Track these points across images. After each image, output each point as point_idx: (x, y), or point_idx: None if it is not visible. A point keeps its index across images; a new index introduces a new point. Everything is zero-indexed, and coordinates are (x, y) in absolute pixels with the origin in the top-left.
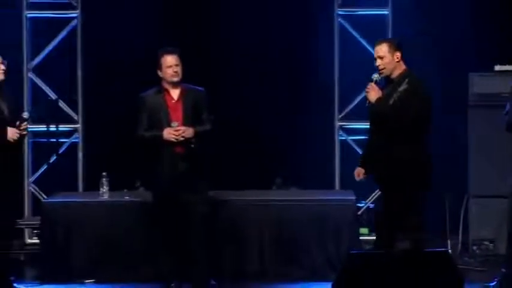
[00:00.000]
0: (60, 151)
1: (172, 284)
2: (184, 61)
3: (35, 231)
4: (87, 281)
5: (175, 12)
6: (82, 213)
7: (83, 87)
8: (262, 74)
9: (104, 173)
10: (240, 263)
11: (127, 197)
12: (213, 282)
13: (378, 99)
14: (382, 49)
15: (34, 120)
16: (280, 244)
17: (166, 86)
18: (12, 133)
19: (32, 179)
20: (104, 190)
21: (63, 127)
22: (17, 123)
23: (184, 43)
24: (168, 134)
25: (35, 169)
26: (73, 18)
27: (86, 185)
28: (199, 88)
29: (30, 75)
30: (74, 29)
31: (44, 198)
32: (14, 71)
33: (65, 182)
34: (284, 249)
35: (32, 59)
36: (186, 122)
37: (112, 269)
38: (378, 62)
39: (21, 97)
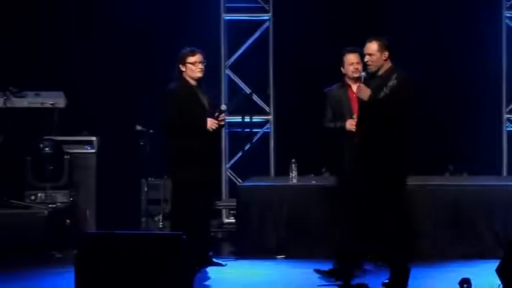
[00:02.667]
0: (254, 140)
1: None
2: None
3: (232, 211)
4: (278, 256)
5: (357, 12)
6: (273, 196)
7: (274, 82)
8: (434, 68)
9: (293, 160)
10: (415, 241)
11: (313, 181)
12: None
13: (370, 96)
14: (372, 47)
15: (230, 112)
16: (452, 225)
17: (349, 81)
18: (210, 123)
19: (229, 164)
20: (293, 175)
21: (256, 118)
22: (216, 114)
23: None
24: (350, 125)
25: (231, 156)
26: (265, 20)
27: (276, 170)
28: None
29: (227, 71)
30: (266, 29)
31: (239, 182)
32: (213, 68)
33: (258, 168)
34: (456, 230)
35: (229, 57)
36: None
37: (300, 246)
38: (367, 58)
39: (219, 92)
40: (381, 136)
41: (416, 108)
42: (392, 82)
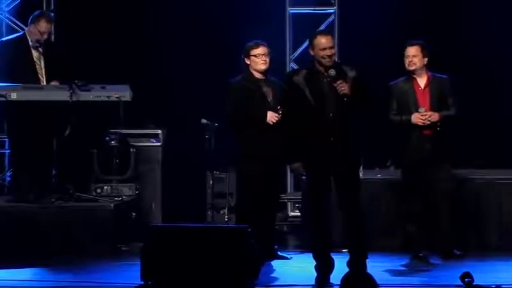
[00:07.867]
0: None
1: (421, 254)
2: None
3: (297, 204)
4: (343, 250)
5: (423, 5)
6: None
7: None
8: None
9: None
10: (480, 236)
11: (379, 175)
12: (457, 252)
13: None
14: (332, 41)
15: None
16: None
17: (413, 74)
18: (271, 116)
19: None
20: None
21: None
22: (278, 107)
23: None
24: (416, 118)
25: None
26: (330, 13)
27: None
28: (444, 76)
29: (292, 64)
30: (331, 23)
31: (304, 175)
32: (278, 61)
33: None
34: None
35: (294, 50)
36: (432, 108)
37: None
38: (332, 51)
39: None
40: (352, 127)
41: None
42: (352, 73)
